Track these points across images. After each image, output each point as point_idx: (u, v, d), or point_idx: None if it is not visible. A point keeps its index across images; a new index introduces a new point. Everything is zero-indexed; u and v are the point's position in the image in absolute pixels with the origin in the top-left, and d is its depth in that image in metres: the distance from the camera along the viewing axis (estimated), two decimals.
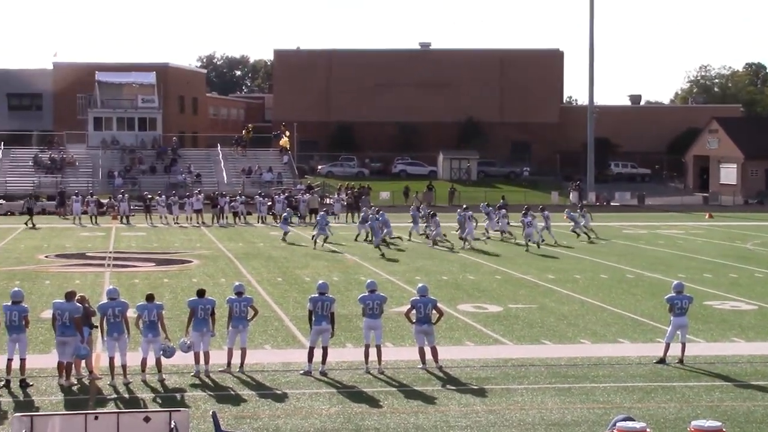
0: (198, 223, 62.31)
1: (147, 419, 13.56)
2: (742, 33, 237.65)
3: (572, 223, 53.91)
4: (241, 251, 46.23)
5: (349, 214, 66.82)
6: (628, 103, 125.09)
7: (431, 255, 45.35)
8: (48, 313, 23.89)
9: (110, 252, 45.92)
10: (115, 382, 20.53)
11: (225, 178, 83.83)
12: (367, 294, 22.38)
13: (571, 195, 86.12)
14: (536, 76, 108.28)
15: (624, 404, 19.37)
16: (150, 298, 21.34)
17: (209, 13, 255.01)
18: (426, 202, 75.05)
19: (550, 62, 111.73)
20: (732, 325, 28.08)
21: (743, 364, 22.97)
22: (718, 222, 67.70)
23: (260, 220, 63.77)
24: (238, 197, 66.39)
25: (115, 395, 19.91)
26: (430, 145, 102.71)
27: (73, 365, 20.81)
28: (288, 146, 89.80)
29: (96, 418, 13.53)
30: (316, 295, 21.95)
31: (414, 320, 22.35)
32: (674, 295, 23.06)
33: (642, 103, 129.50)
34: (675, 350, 22.85)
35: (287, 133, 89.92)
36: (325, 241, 48.67)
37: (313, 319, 21.73)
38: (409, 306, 22.72)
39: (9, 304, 20.76)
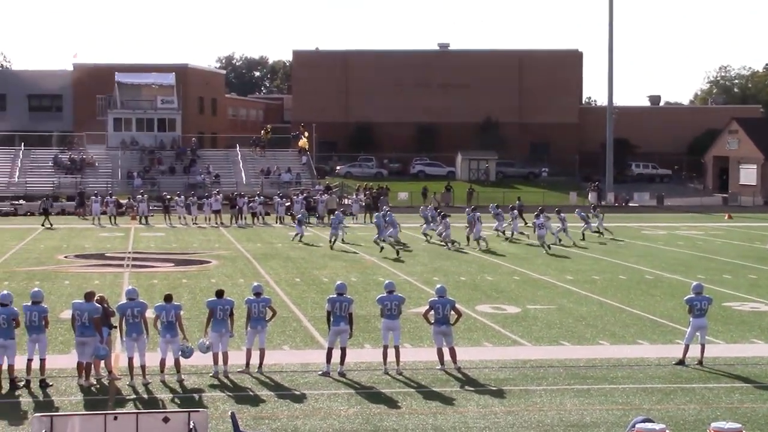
0: (216, 223, 62.41)
1: (166, 420, 13.57)
2: (763, 33, 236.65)
3: (583, 224, 53.64)
4: (260, 252, 46.29)
5: (367, 215, 66.77)
6: (647, 103, 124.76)
7: (449, 256, 45.31)
8: (67, 314, 23.96)
9: (129, 252, 46.03)
10: (134, 382, 20.58)
11: (244, 179, 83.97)
12: (385, 295, 22.38)
13: (589, 196, 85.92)
14: (555, 77, 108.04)
15: (643, 406, 19.32)
16: (168, 298, 21.38)
17: (228, 14, 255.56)
18: (444, 203, 75.10)
19: (570, 63, 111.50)
20: (752, 326, 27.97)
21: (763, 366, 22.88)
22: (737, 223, 67.48)
23: (278, 221, 63.82)
24: (256, 198, 66.48)
25: (134, 395, 19.95)
26: (448, 145, 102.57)
27: (93, 365, 20.87)
28: (307, 147, 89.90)
29: (115, 418, 13.55)
30: (335, 295, 21.95)
31: (432, 321, 22.34)
32: (693, 296, 22.98)
33: (661, 103, 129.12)
34: (694, 352, 22.78)
35: (306, 134, 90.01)
36: (334, 241, 48.56)
37: (332, 319, 21.73)
38: (427, 307, 22.71)
39: (29, 304, 20.83)
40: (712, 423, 14.11)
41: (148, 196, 66.73)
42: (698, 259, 45.02)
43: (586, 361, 23.20)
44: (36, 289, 21.99)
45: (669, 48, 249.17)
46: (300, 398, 19.78)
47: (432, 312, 22.31)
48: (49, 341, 21.69)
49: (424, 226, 52.89)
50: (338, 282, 22.96)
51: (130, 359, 20.74)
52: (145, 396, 19.94)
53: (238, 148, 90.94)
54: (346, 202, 74.62)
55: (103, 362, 21.09)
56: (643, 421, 14.10)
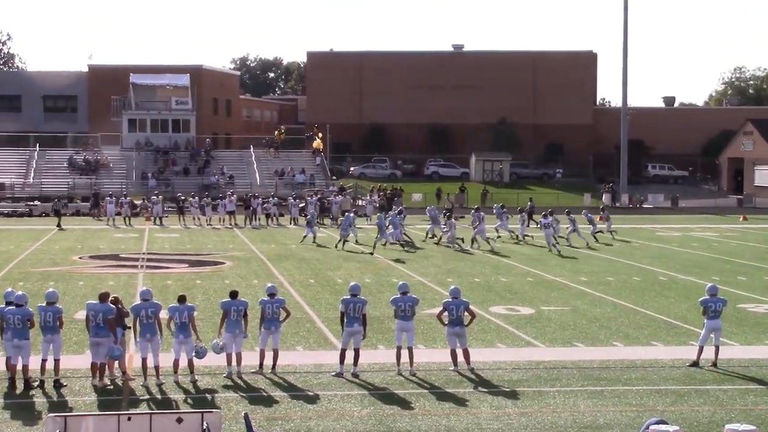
0: (231, 224, 62.48)
1: (179, 420, 13.59)
2: None
3: (590, 225, 53.42)
4: (274, 253, 46.34)
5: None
6: (662, 104, 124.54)
7: (463, 257, 45.29)
8: (82, 314, 24.01)
9: (143, 253, 46.13)
10: (148, 382, 20.62)
11: (258, 180, 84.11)
12: (399, 296, 22.37)
13: (603, 197, 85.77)
14: (569, 78, 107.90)
15: (657, 407, 19.29)
16: (181, 299, 21.41)
17: (243, 15, 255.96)
18: (458, 204, 75.07)
19: (584, 64, 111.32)
20: (766, 328, 27.87)
21: None
22: (752, 224, 67.31)
23: (292, 222, 63.86)
24: (270, 199, 66.55)
25: (147, 396, 19.99)
26: (462, 146, 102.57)
27: (107, 366, 20.92)
28: (321, 148, 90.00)
29: (129, 418, 13.58)
30: (348, 296, 21.96)
31: (446, 322, 22.34)
32: (708, 297, 22.92)
33: (676, 104, 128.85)
34: (708, 353, 22.73)
35: (320, 135, 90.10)
36: (344, 243, 48.54)
37: (345, 320, 21.74)
38: (441, 308, 22.72)
39: (44, 304, 20.88)
40: (726, 425, 14.07)
41: (163, 197, 66.82)
42: (713, 260, 44.92)
43: (600, 362, 23.16)
44: (51, 289, 22.03)
45: (683, 49, 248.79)
46: (313, 399, 19.79)
47: (446, 313, 22.31)
48: (63, 342, 21.72)
49: (430, 225, 52.92)
50: (352, 283, 22.95)
51: (144, 360, 20.78)
52: (159, 396, 19.98)
53: (252, 150, 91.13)
54: (359, 204, 74.63)
55: (117, 363, 21.13)
56: (657, 423, 14.08)
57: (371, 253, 45.77)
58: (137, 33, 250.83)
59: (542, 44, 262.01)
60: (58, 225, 59.97)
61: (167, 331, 21.42)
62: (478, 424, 18.20)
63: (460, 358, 22.14)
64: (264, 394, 20.23)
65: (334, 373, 21.61)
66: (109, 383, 20.77)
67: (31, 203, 73.71)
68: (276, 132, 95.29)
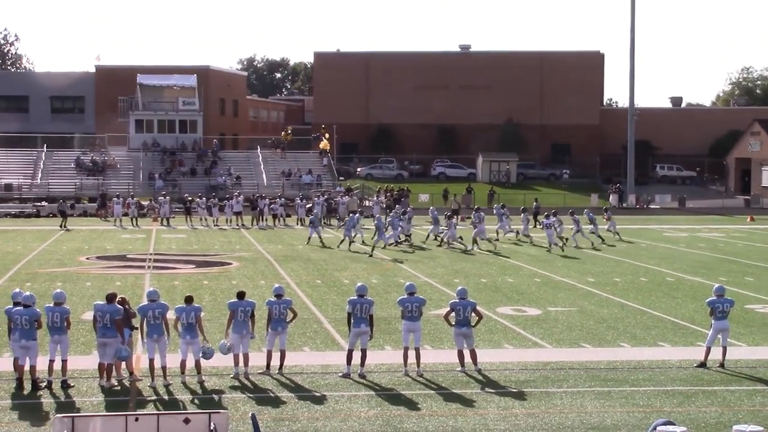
0: (238, 225, 62.55)
1: (187, 421, 13.60)
2: None
3: (590, 225, 53.28)
4: (281, 253, 46.36)
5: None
6: (669, 105, 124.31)
7: (470, 258, 45.29)
8: (89, 315, 24.03)
9: (150, 254, 46.17)
10: (155, 383, 20.64)
11: (265, 181, 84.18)
12: (406, 296, 22.37)
13: (610, 197, 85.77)
14: (576, 78, 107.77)
15: (664, 408, 19.27)
16: (188, 300, 21.42)
17: (250, 16, 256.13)
18: (465, 205, 75.03)
19: (591, 64, 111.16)
20: None
21: None
22: (759, 225, 67.22)
23: (299, 223, 63.87)
24: (277, 200, 66.57)
25: (155, 397, 20.02)
26: (469, 147, 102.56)
27: (114, 367, 20.94)
28: (328, 148, 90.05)
29: (136, 419, 13.58)
30: (355, 297, 21.96)
31: (453, 323, 22.34)
32: (715, 298, 22.90)
33: (683, 105, 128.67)
34: (716, 354, 22.71)
35: (327, 136, 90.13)
36: (349, 243, 48.52)
37: (352, 321, 21.75)
38: (448, 308, 22.72)
39: (51, 305, 20.91)
40: (733, 426, 14.03)
41: (170, 198, 66.90)
42: (720, 261, 44.88)
43: (607, 363, 23.15)
44: (58, 290, 22.06)
45: (691, 49, 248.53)
46: (320, 400, 19.80)
47: (453, 314, 22.32)
48: (70, 342, 21.75)
49: (432, 227, 52.92)
50: (359, 284, 22.96)
51: (151, 360, 20.80)
52: (166, 397, 20.00)
53: (259, 150, 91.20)
54: (366, 204, 74.62)
55: (124, 363, 21.17)
56: (664, 424, 14.04)
57: (370, 255, 45.70)
58: (144, 34, 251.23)
59: (549, 44, 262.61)
60: (61, 226, 59.96)
61: (174, 331, 21.44)
62: (486, 424, 18.20)
63: (467, 358, 22.14)
64: (271, 394, 20.24)
65: (341, 374, 21.62)
66: (116, 384, 20.80)
67: (39, 204, 73.86)
68: (283, 132, 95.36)
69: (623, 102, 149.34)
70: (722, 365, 22.59)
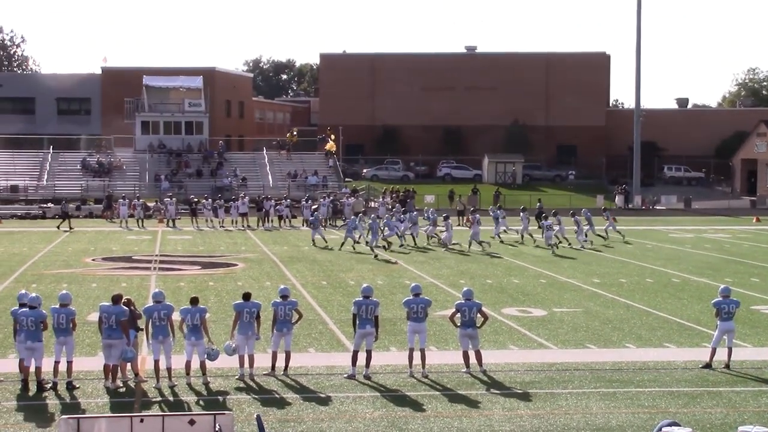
0: (243, 226, 62.58)
1: (192, 422, 13.62)
2: None
3: (587, 226, 53.03)
4: (286, 254, 46.38)
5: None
6: (675, 106, 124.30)
7: (475, 258, 45.29)
8: (95, 316, 24.08)
9: (156, 255, 46.20)
10: (160, 384, 20.65)
11: (270, 182, 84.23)
12: (411, 297, 22.37)
13: (616, 198, 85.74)
14: (582, 80, 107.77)
15: (669, 409, 19.26)
16: (194, 301, 21.43)
17: (255, 17, 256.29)
18: (470, 206, 75.00)
19: (597, 65, 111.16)
20: None
21: None
22: (765, 226, 67.14)
23: (305, 224, 63.85)
24: (283, 201, 66.60)
25: (160, 398, 20.03)
26: (475, 148, 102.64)
27: (119, 368, 20.96)
28: (334, 150, 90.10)
29: (141, 420, 13.60)
30: (361, 298, 21.96)
31: (458, 324, 22.34)
32: (721, 299, 22.88)
33: (689, 106, 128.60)
34: (721, 355, 22.69)
35: (333, 137, 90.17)
36: (354, 244, 48.50)
37: (358, 322, 21.75)
38: (453, 309, 22.73)
39: (57, 306, 20.93)
40: (739, 427, 14.07)
41: (175, 199, 66.94)
42: (726, 262, 44.83)
43: (612, 364, 23.13)
44: (64, 291, 22.07)
45: (697, 50, 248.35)
46: (325, 401, 19.81)
47: (458, 315, 22.32)
48: (76, 344, 21.77)
49: (429, 228, 52.90)
50: (364, 285, 22.96)
51: (157, 362, 20.82)
52: (171, 398, 20.01)
53: (265, 151, 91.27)
54: (372, 205, 74.61)
55: (129, 364, 21.18)
56: (670, 425, 14.05)
57: (375, 256, 45.72)
58: (150, 35, 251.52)
59: (555, 46, 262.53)
60: (58, 227, 59.86)
61: (179, 333, 21.46)
62: (491, 425, 18.19)
63: (473, 359, 22.14)
64: (276, 395, 20.25)
65: (346, 375, 21.63)
66: (121, 385, 20.81)
67: (45, 205, 73.84)
68: (288, 134, 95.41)
69: (629, 103, 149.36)
70: (728, 366, 22.57)
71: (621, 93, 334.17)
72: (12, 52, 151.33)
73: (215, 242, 52.79)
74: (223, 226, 62.65)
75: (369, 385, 21.02)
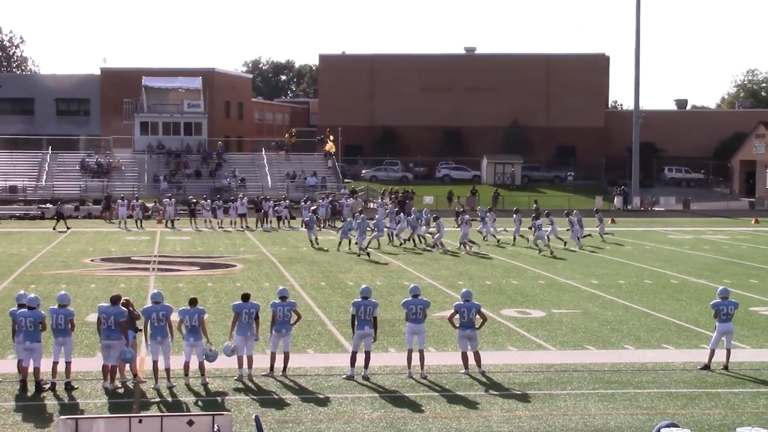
0: (242, 227, 62.59)
1: (190, 423, 13.62)
2: None
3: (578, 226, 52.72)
4: (285, 255, 46.38)
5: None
6: (674, 107, 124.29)
7: (474, 260, 45.29)
8: (93, 317, 24.07)
9: (155, 256, 46.19)
10: (159, 385, 20.66)
11: (269, 183, 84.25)
12: (410, 298, 22.37)
13: (615, 199, 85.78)
14: (582, 81, 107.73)
15: (668, 410, 19.26)
16: (193, 302, 21.43)
17: (255, 18, 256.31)
18: (469, 207, 75.05)
19: (596, 66, 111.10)
20: None
21: None
22: (764, 227, 67.15)
23: (303, 225, 63.77)
24: (282, 202, 66.58)
25: (158, 399, 20.03)
26: (474, 149, 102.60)
27: (118, 369, 20.96)
28: (333, 150, 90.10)
29: (140, 421, 13.61)
30: (359, 299, 21.96)
31: (457, 325, 22.35)
32: (719, 300, 22.88)
33: (688, 107, 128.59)
34: (720, 356, 22.69)
35: (331, 138, 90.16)
36: (350, 244, 48.52)
37: (356, 323, 21.75)
38: (452, 311, 22.74)
39: (55, 307, 20.92)
40: (737, 428, 14.10)
41: (174, 200, 66.92)
42: (724, 263, 44.85)
43: (611, 365, 23.14)
44: (62, 292, 22.07)
45: (696, 52, 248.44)
46: (324, 402, 19.81)
47: (457, 316, 22.33)
48: (74, 344, 21.76)
49: (423, 228, 52.89)
50: (363, 286, 22.96)
51: (155, 362, 20.82)
52: (170, 399, 20.01)
53: (264, 152, 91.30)
54: (371, 206, 74.61)
55: (128, 365, 21.19)
56: (668, 426, 14.08)
57: (367, 255, 45.73)
58: (150, 36, 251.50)
59: (554, 47, 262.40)
60: (54, 228, 59.83)
61: (178, 333, 21.46)
62: (489, 426, 18.20)
63: (471, 361, 22.15)
64: (275, 396, 20.26)
65: (344, 376, 21.63)
66: (120, 386, 20.81)
67: (43, 206, 73.80)
68: (287, 135, 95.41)
69: (628, 104, 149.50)
70: (726, 367, 22.58)
71: (620, 94, 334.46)
72: (11, 52, 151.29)
73: (214, 243, 52.79)
74: (222, 227, 62.65)
75: (368, 386, 21.03)
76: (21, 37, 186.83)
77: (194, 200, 67.58)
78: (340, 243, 49.13)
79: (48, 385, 20.47)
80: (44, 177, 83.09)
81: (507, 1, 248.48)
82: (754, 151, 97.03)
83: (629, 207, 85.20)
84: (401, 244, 50.89)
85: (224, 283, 36.57)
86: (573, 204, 76.91)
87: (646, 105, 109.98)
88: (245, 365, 21.52)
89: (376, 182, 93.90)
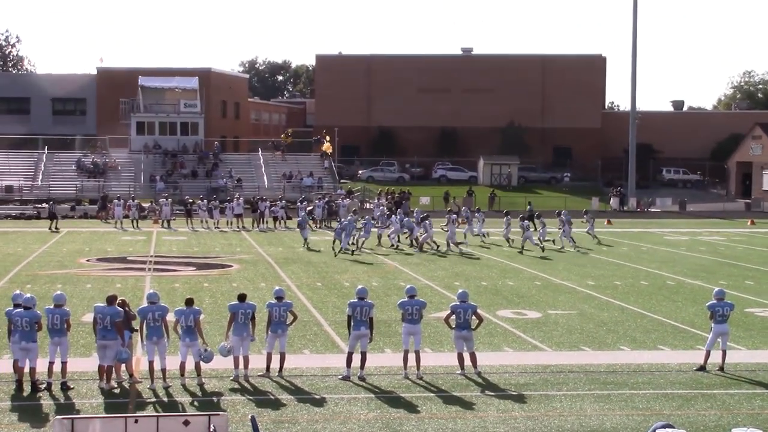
0: (238, 227, 62.56)
1: (186, 423, 13.60)
2: None
3: (566, 226, 52.63)
4: (281, 256, 46.37)
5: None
6: (670, 108, 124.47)
7: (471, 260, 45.30)
8: (89, 317, 24.05)
9: (151, 256, 46.16)
10: (155, 385, 20.65)
11: (266, 183, 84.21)
12: (406, 299, 22.38)
13: (612, 201, 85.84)
14: (578, 82, 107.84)
15: (663, 411, 19.28)
16: (189, 302, 21.42)
17: (252, 18, 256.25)
18: (466, 208, 75.11)
19: (593, 67, 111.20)
20: None
21: None
22: (760, 228, 67.20)
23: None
24: (278, 202, 66.57)
25: (154, 399, 20.03)
26: (470, 150, 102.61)
27: (114, 369, 20.94)
28: (330, 151, 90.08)
29: (136, 421, 13.58)
30: (356, 300, 21.96)
31: (453, 326, 22.34)
32: (715, 302, 22.91)
33: (685, 108, 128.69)
34: (716, 358, 22.71)
35: (328, 138, 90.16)
36: (339, 248, 48.49)
37: (352, 324, 21.75)
38: (448, 311, 22.73)
39: (51, 307, 20.92)
40: (732, 429, 14.06)
41: (170, 200, 66.87)
42: (720, 264, 44.88)
43: (607, 366, 23.16)
44: (58, 292, 22.07)
45: (692, 53, 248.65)
46: (320, 402, 19.81)
47: (453, 317, 22.32)
48: (70, 344, 21.75)
49: (415, 228, 52.81)
50: (359, 286, 22.97)
51: (151, 363, 20.80)
52: (166, 399, 20.01)
53: (260, 152, 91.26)
54: (367, 207, 74.63)
55: (124, 365, 21.18)
56: (664, 427, 14.02)
57: (352, 252, 45.88)
58: (146, 36, 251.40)
59: (551, 48, 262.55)
60: (54, 228, 59.86)
61: (174, 334, 21.45)
62: (485, 427, 18.21)
63: (467, 361, 22.16)
64: (271, 397, 20.25)
65: (340, 377, 21.63)
66: (116, 386, 20.80)
67: (39, 206, 73.73)
68: (283, 135, 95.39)
69: (625, 105, 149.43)
70: (722, 369, 22.61)
71: (617, 95, 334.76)
72: (7, 52, 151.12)
73: (210, 243, 52.76)
74: (218, 227, 62.63)
75: (364, 387, 21.03)
76: (17, 37, 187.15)
77: (191, 200, 67.51)
78: (335, 241, 49.00)
79: (44, 385, 20.46)
80: (40, 177, 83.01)
81: (504, 2, 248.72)
82: (751, 153, 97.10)
83: (626, 208, 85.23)
84: (393, 245, 50.73)
85: (220, 284, 36.56)
86: (569, 205, 76.93)
87: (642, 106, 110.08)
88: (241, 365, 21.51)
89: (372, 183, 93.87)
